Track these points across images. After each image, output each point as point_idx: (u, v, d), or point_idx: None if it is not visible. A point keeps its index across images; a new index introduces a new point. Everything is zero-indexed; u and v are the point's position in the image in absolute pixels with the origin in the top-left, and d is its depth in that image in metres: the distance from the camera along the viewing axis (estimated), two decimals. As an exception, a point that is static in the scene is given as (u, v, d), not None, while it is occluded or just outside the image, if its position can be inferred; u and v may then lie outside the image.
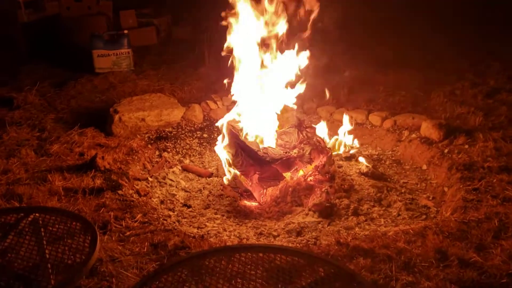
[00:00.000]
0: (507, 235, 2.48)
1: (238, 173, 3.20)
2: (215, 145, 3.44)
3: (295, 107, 3.60)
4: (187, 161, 3.79)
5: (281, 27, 3.40)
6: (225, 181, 3.30)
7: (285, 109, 3.47)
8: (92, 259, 1.58)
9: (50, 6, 6.34)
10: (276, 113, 3.44)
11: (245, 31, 3.38)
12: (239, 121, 3.34)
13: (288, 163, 3.18)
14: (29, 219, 1.83)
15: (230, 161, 3.19)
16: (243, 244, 2.44)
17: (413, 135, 3.88)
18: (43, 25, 6.06)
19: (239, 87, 3.45)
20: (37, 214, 1.84)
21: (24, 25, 5.82)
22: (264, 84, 3.44)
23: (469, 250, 2.37)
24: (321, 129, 3.77)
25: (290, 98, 3.55)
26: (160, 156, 3.77)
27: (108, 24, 6.33)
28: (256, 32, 3.39)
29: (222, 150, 3.27)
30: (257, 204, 3.16)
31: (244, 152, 3.13)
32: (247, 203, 3.18)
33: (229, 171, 3.25)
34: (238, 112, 3.41)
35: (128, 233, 2.60)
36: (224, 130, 3.22)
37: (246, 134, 3.30)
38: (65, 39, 6.05)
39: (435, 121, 3.79)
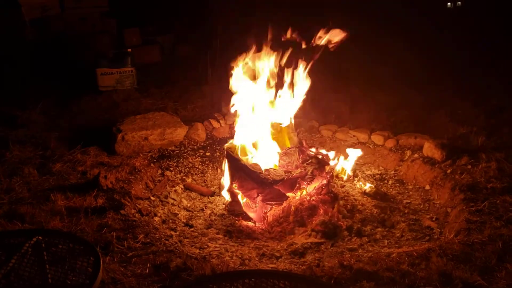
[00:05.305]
0: (511, 258, 2.46)
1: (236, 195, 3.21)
2: (218, 164, 3.44)
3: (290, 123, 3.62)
4: (189, 180, 3.79)
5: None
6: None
7: (286, 129, 3.48)
8: (94, 286, 1.58)
9: (55, 24, 6.40)
10: (275, 134, 3.45)
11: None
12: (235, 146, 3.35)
13: (290, 183, 3.17)
14: (32, 242, 1.83)
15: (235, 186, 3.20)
16: (247, 270, 2.42)
17: (416, 155, 3.88)
18: (47, 43, 6.11)
19: (240, 108, 3.48)
20: (39, 237, 1.84)
21: (29, 43, 5.87)
22: (264, 105, 3.47)
23: (474, 273, 2.35)
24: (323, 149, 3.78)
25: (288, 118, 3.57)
26: (162, 175, 3.77)
27: (112, 42, 6.38)
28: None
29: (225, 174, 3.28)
30: (259, 224, 3.14)
31: (246, 174, 3.13)
32: (249, 223, 3.17)
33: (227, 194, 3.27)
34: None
35: (130, 254, 2.59)
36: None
37: (247, 157, 3.31)
38: (69, 57, 6.09)
39: (438, 141, 3.79)
